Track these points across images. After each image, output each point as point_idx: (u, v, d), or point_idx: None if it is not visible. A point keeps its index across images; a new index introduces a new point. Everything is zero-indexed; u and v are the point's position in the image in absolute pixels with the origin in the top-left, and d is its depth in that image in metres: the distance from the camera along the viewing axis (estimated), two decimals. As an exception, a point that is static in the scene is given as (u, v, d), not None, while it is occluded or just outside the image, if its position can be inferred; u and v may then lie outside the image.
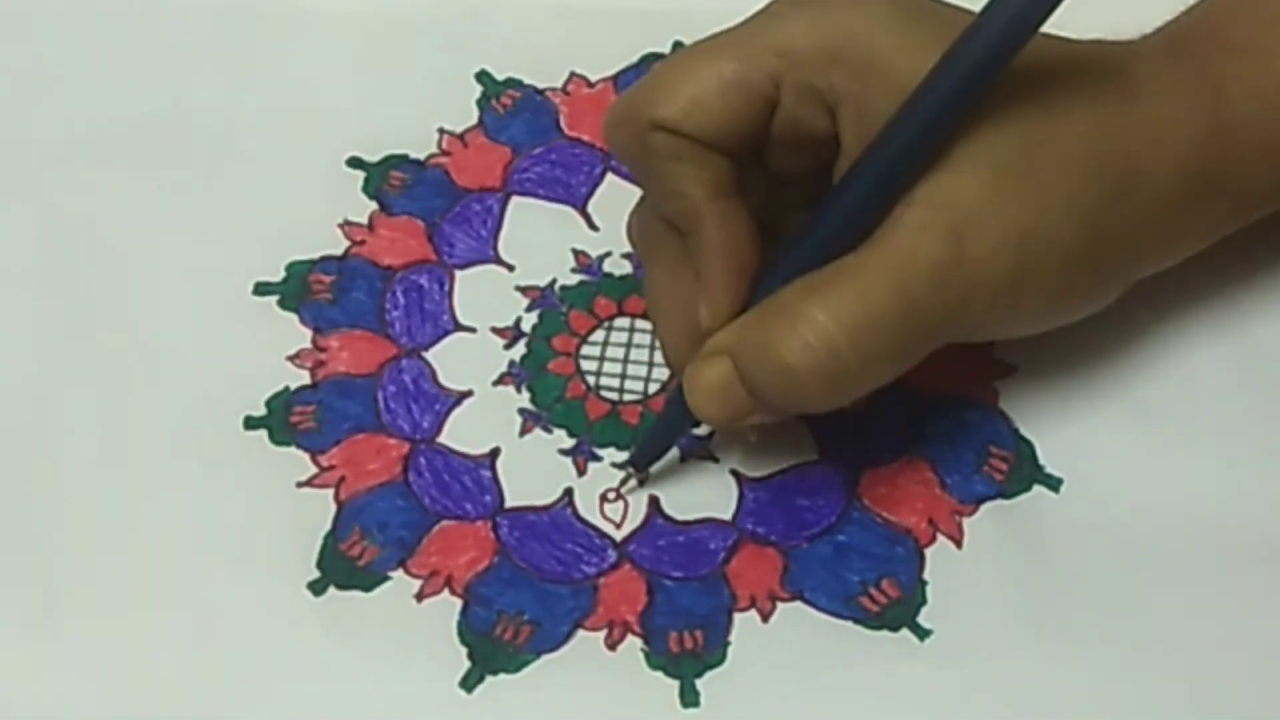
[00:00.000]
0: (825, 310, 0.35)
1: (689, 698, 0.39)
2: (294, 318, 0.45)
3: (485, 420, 0.43)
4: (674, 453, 0.42)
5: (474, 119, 0.49)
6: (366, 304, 0.45)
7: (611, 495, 0.42)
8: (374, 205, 0.47)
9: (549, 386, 0.44)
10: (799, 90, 0.37)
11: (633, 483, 0.42)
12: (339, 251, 0.47)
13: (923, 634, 0.39)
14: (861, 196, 0.36)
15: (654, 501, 0.42)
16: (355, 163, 0.48)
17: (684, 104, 0.37)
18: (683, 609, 0.40)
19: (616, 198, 0.47)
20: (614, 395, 0.44)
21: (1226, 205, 0.40)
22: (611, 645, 0.40)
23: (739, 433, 0.41)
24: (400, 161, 0.48)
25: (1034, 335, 0.40)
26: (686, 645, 0.39)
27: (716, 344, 0.37)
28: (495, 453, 0.43)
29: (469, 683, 0.39)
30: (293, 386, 0.44)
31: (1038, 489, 0.41)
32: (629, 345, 0.45)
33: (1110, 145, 0.37)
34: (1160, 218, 0.38)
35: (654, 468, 0.42)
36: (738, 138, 0.38)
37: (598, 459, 0.42)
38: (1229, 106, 0.38)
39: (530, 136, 0.49)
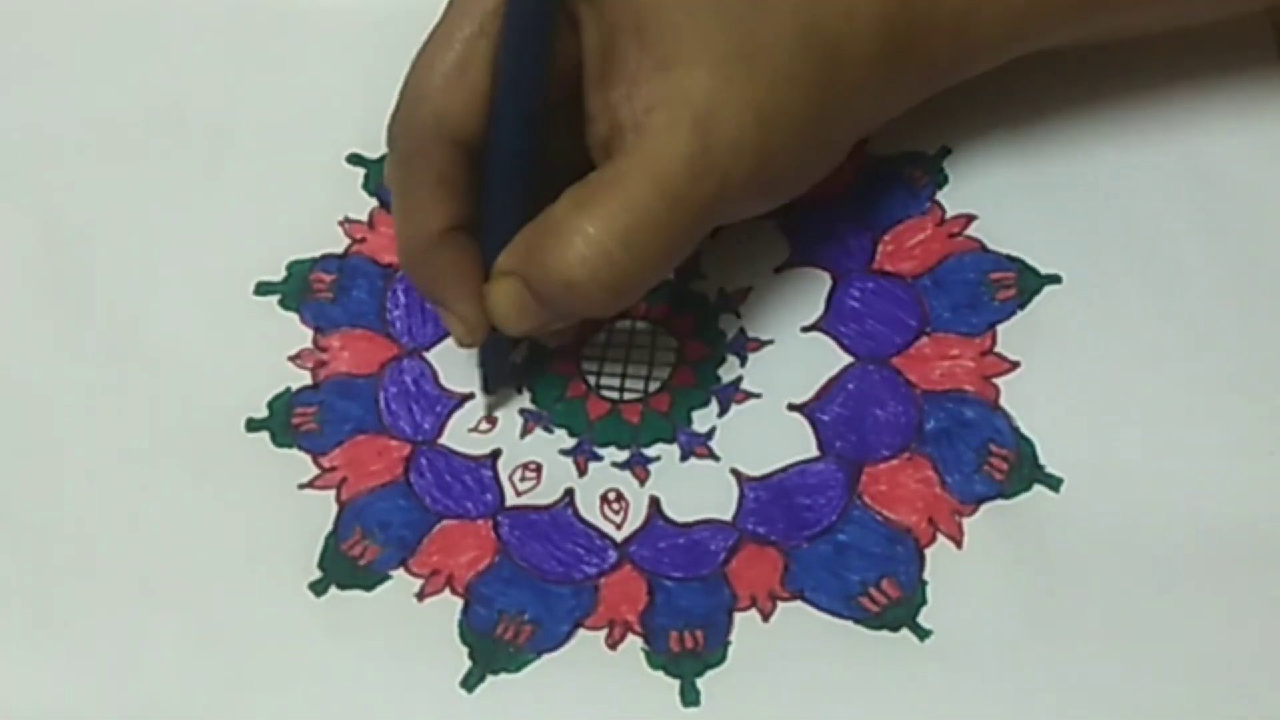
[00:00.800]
0: (594, 223, 0.38)
1: (689, 697, 0.39)
2: (295, 317, 0.45)
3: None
4: (674, 452, 0.42)
5: (474, 117, 0.49)
6: (367, 303, 0.45)
7: (485, 426, 0.43)
8: (374, 202, 0.47)
9: (549, 386, 0.44)
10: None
11: (489, 408, 0.43)
12: (340, 250, 0.47)
13: (923, 634, 0.39)
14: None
15: (654, 503, 0.42)
16: (356, 159, 0.48)
17: (470, 102, 0.39)
18: (683, 609, 0.40)
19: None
20: (614, 395, 0.44)
21: (918, 72, 0.42)
22: (612, 645, 0.40)
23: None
24: (401, 159, 0.48)
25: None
26: (687, 645, 0.39)
27: (503, 265, 0.40)
28: (496, 453, 0.43)
29: (470, 682, 0.39)
30: (294, 387, 0.44)
31: (1038, 489, 0.41)
32: (629, 346, 0.45)
33: (815, 17, 0.39)
34: (865, 86, 0.40)
35: (654, 467, 0.42)
36: None
37: (598, 459, 0.43)
38: None
39: (530, 135, 0.49)
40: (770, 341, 0.44)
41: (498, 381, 0.44)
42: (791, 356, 0.44)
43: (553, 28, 0.38)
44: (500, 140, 0.39)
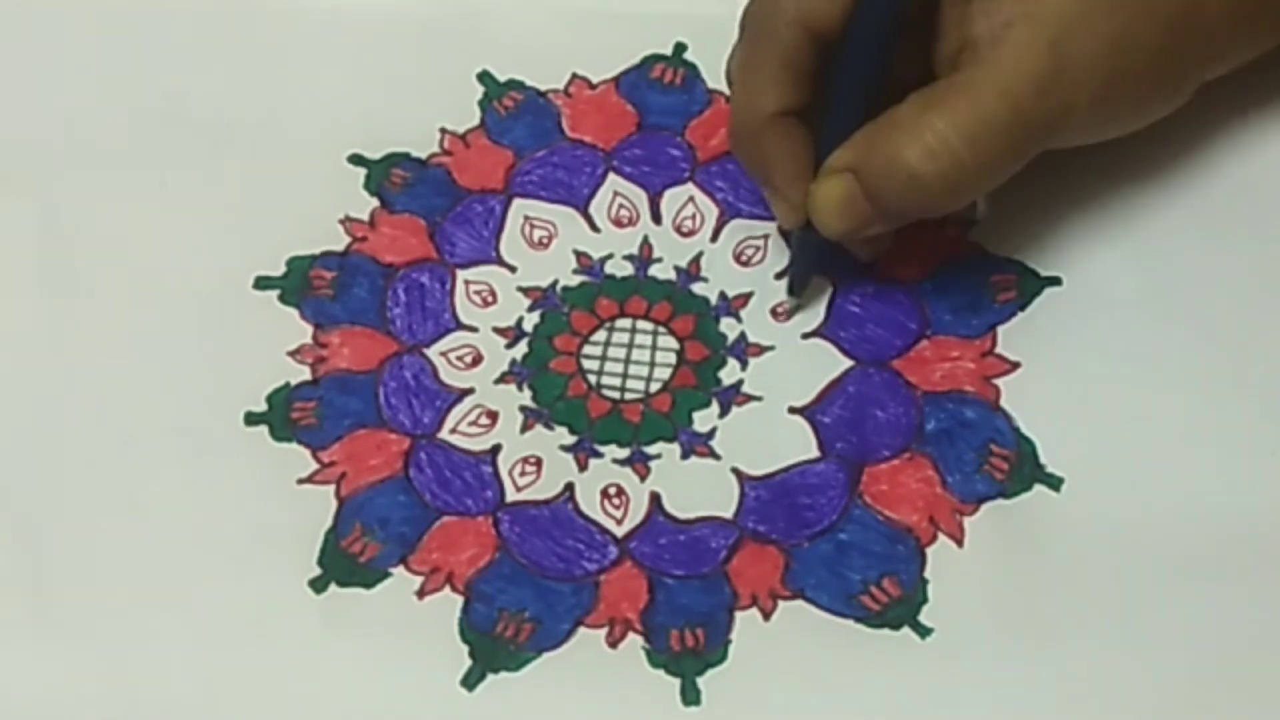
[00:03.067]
0: (944, 120, 0.40)
1: (690, 696, 0.39)
2: (295, 313, 0.45)
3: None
4: (675, 450, 0.42)
5: (476, 120, 0.49)
6: (368, 300, 0.45)
7: (781, 310, 0.45)
8: (375, 202, 0.47)
9: (550, 385, 0.44)
10: None
11: (793, 303, 0.45)
12: (340, 248, 0.47)
13: (924, 632, 0.39)
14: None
15: (655, 499, 0.42)
16: (357, 160, 0.48)
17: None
18: (684, 607, 0.40)
19: (619, 200, 0.47)
20: (615, 394, 0.44)
21: (1275, 18, 0.43)
22: (613, 643, 0.39)
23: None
24: (402, 160, 0.48)
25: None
26: (688, 643, 0.39)
27: (837, 161, 0.41)
28: (496, 449, 0.43)
29: (470, 681, 0.39)
30: (293, 382, 0.44)
31: (1039, 488, 0.41)
32: (630, 345, 0.45)
33: None
34: (1226, 25, 0.42)
35: (655, 464, 0.42)
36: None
37: (599, 455, 0.42)
38: None
39: (532, 139, 0.49)
40: (771, 347, 0.44)
41: (804, 281, 0.44)
42: (792, 361, 0.44)
43: None
44: (859, 36, 0.40)
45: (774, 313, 0.45)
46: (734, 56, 0.43)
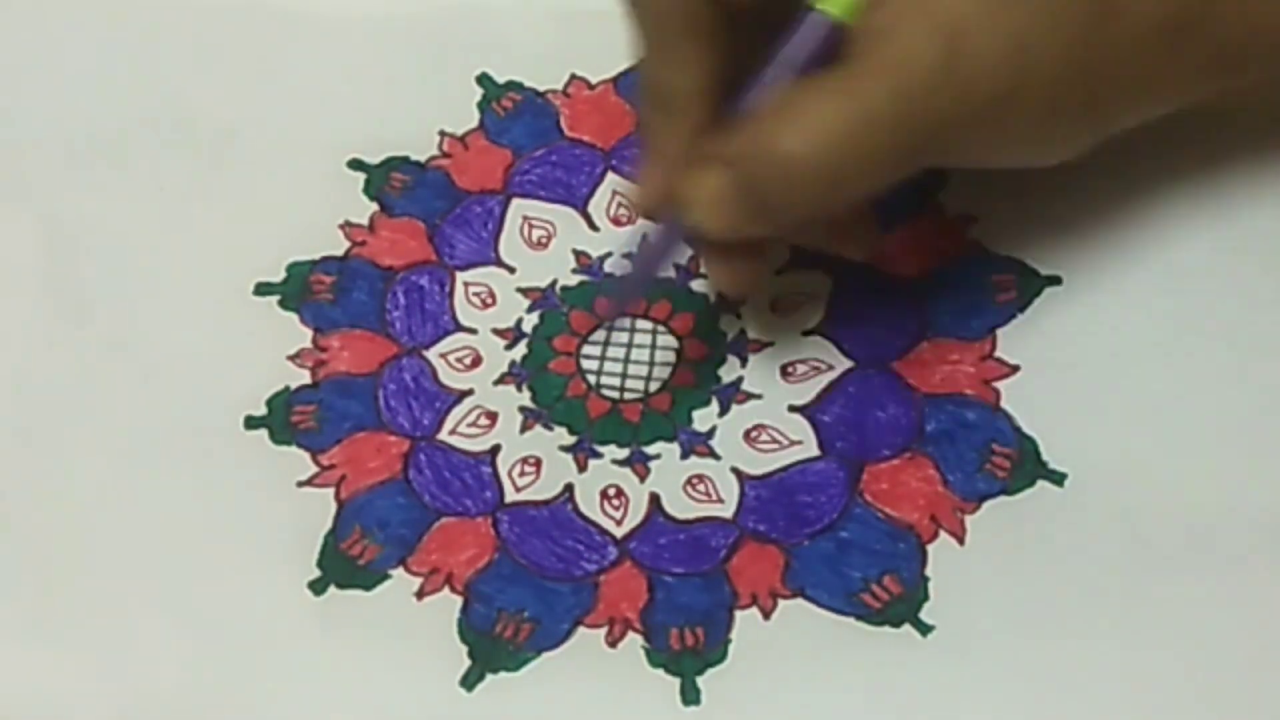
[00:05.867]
0: (829, 107, 0.37)
1: (690, 695, 0.39)
2: (294, 318, 0.45)
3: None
4: (675, 450, 0.42)
5: (475, 121, 0.49)
6: (367, 304, 0.46)
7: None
8: (375, 206, 0.48)
9: (550, 385, 0.44)
10: None
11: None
12: (340, 252, 0.47)
13: (925, 629, 0.39)
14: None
15: (655, 499, 0.42)
16: (356, 164, 0.48)
17: None
18: (683, 606, 0.40)
19: (617, 199, 0.47)
20: (615, 394, 0.44)
21: (1201, 57, 0.40)
22: (612, 643, 0.39)
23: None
24: (401, 163, 0.48)
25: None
26: (687, 642, 0.39)
27: (712, 150, 0.38)
28: (496, 449, 0.43)
29: (469, 681, 0.39)
30: (293, 386, 0.44)
31: (1041, 484, 0.41)
32: (630, 345, 0.45)
33: None
34: (1138, 54, 0.39)
35: (654, 464, 0.42)
36: None
37: (598, 456, 0.42)
38: None
39: (531, 139, 0.49)
40: (771, 343, 0.44)
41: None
42: (792, 359, 0.44)
43: None
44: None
45: (773, 307, 0.44)
46: (639, 24, 0.40)
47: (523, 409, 0.43)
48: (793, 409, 0.43)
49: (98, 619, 0.40)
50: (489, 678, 0.39)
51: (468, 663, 0.39)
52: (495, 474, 0.42)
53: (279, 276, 0.46)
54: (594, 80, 0.50)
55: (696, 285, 0.45)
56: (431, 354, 0.45)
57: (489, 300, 0.46)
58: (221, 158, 0.49)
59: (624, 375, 0.44)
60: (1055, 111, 0.39)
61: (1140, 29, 0.38)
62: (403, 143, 0.49)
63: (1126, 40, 0.38)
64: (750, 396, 0.43)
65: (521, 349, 0.45)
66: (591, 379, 0.44)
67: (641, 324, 0.45)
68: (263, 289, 0.46)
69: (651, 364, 0.44)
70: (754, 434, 0.43)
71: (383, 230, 0.47)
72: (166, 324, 0.45)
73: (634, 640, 0.39)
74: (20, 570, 0.41)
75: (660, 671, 0.39)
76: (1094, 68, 0.38)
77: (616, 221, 0.47)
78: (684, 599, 0.40)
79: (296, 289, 0.46)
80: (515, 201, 0.48)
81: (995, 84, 0.37)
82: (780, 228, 0.40)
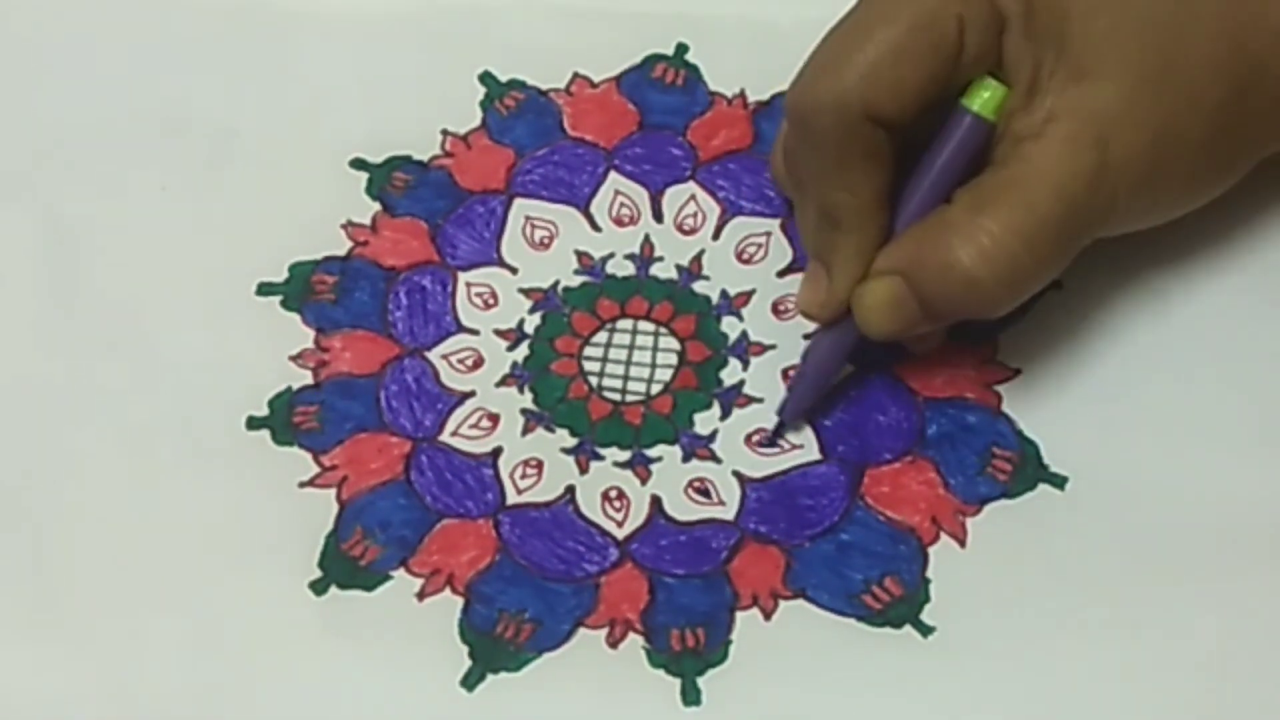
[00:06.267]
0: (998, 222, 0.38)
1: (690, 696, 0.39)
2: (297, 318, 0.45)
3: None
4: (676, 453, 0.42)
5: (477, 120, 0.49)
6: (369, 304, 0.46)
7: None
8: (377, 206, 0.48)
9: (552, 387, 0.44)
10: (982, 23, 0.39)
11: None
12: (342, 252, 0.47)
13: (926, 631, 0.39)
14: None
15: (656, 501, 0.42)
16: (358, 164, 0.48)
17: (898, 94, 0.38)
18: (684, 607, 0.40)
19: (619, 199, 0.47)
20: (616, 396, 0.44)
21: None
22: (613, 643, 0.39)
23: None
24: (403, 163, 0.48)
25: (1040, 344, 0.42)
26: (688, 643, 0.39)
27: (885, 264, 0.40)
28: (497, 451, 0.43)
29: (470, 681, 0.39)
30: (295, 386, 0.44)
31: (1042, 488, 0.41)
32: (631, 346, 0.45)
33: (1237, 45, 0.40)
34: (1275, 115, 0.41)
35: (656, 467, 0.42)
36: (925, 104, 0.39)
37: (600, 458, 0.42)
38: None
39: (533, 138, 0.49)
40: (773, 346, 0.44)
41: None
42: (793, 362, 0.44)
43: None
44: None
45: (775, 310, 0.45)
46: (793, 145, 0.41)
47: (524, 411, 0.43)
48: (794, 411, 0.43)
49: (98, 619, 0.40)
50: (490, 678, 0.39)
51: (469, 663, 0.39)
52: (497, 475, 0.42)
53: (281, 276, 0.46)
54: (597, 79, 0.50)
55: (698, 286, 0.45)
56: (433, 355, 0.45)
57: (491, 301, 0.46)
58: (223, 157, 0.49)
59: (626, 377, 0.44)
60: (1198, 178, 0.41)
61: (1276, 93, 0.40)
62: (405, 142, 0.49)
63: (1264, 106, 0.41)
64: (752, 400, 0.43)
65: (523, 350, 0.45)
66: (593, 381, 0.44)
67: (644, 326, 0.45)
68: (265, 289, 0.46)
69: (653, 366, 0.44)
70: (755, 437, 0.43)
71: (385, 230, 0.47)
72: (168, 324, 0.45)
73: (635, 641, 0.39)
74: (21, 570, 0.41)
75: (661, 672, 0.39)
76: (1235, 133, 0.41)
77: (618, 221, 0.47)
78: (685, 600, 0.40)
79: (298, 289, 0.46)
80: (517, 201, 0.48)
81: (1143, 173, 0.39)
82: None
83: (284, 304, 0.46)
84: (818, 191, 0.40)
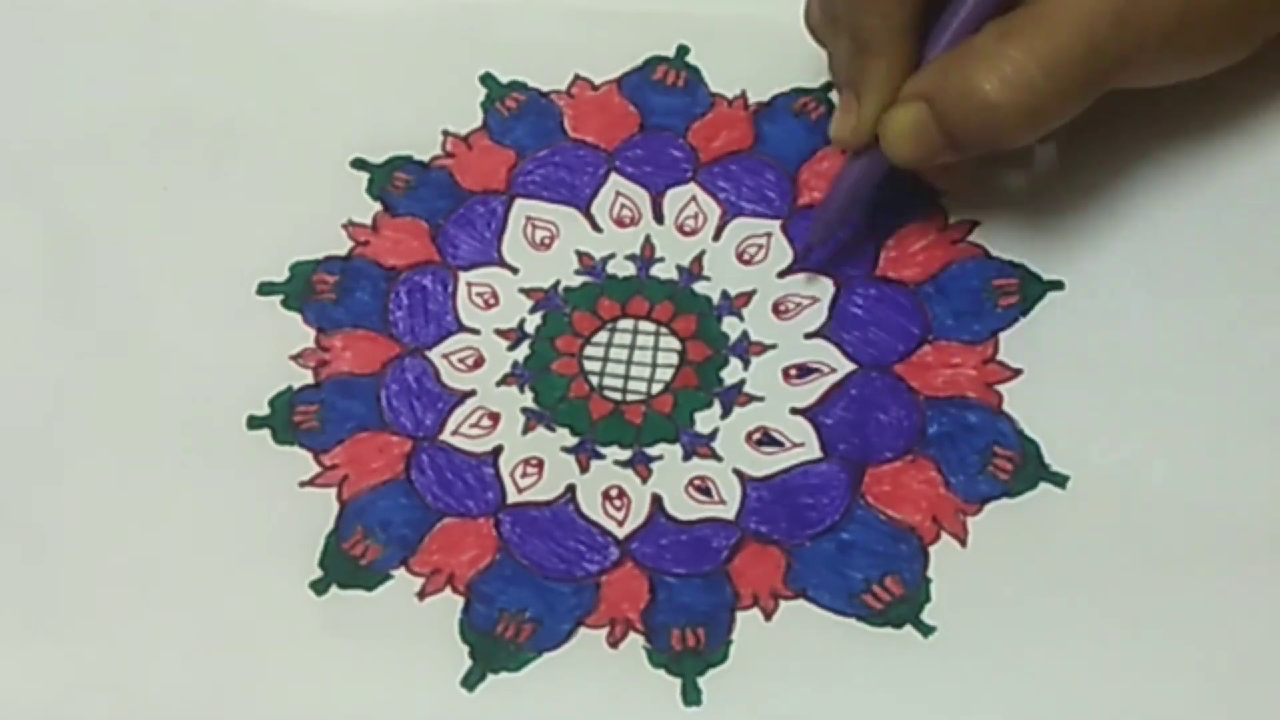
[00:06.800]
0: (1022, 50, 0.40)
1: (691, 696, 0.39)
2: (297, 317, 0.45)
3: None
4: (677, 452, 0.42)
5: (478, 121, 0.49)
6: (370, 304, 0.46)
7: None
8: (378, 206, 0.48)
9: (552, 386, 0.44)
10: None
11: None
12: (343, 252, 0.47)
13: (927, 630, 0.39)
14: None
15: (656, 500, 0.42)
16: (359, 164, 0.48)
17: None
18: (685, 606, 0.40)
19: (620, 200, 0.47)
20: (617, 395, 0.44)
21: None
22: (613, 643, 0.39)
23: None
24: (404, 163, 0.48)
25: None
26: (689, 643, 0.39)
27: (911, 89, 0.42)
28: (498, 450, 0.43)
29: (470, 681, 0.39)
30: (296, 386, 0.44)
31: (1044, 487, 0.41)
32: (632, 346, 0.45)
33: None
34: None
35: (656, 465, 0.42)
36: None
37: (600, 457, 0.42)
38: None
39: (534, 139, 0.49)
40: (773, 346, 0.44)
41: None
42: (794, 361, 0.44)
43: None
44: None
45: (775, 310, 0.45)
46: None
47: (525, 410, 0.43)
48: (795, 411, 0.43)
49: (98, 618, 0.40)
50: (490, 678, 0.39)
51: (469, 663, 0.39)
52: (497, 475, 0.42)
53: (282, 276, 0.46)
54: (598, 81, 0.50)
55: (699, 288, 0.45)
56: (434, 354, 0.45)
57: (492, 301, 0.46)
58: (225, 157, 0.49)
59: (627, 377, 0.44)
60: (1219, 37, 0.42)
61: None
62: (406, 142, 0.49)
63: None
64: (752, 399, 0.43)
65: (524, 350, 0.45)
66: (594, 380, 0.44)
67: (644, 326, 0.45)
68: (266, 288, 0.46)
69: (654, 365, 0.44)
70: (755, 436, 0.43)
71: (386, 230, 0.47)
72: (169, 323, 0.45)
73: (635, 641, 0.39)
74: (21, 570, 0.41)
75: (661, 672, 0.39)
76: (1254, 5, 0.42)
77: (619, 223, 0.47)
78: (685, 599, 0.40)
79: (299, 289, 0.46)
80: (518, 202, 0.48)
81: (1173, 16, 0.40)
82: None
83: (285, 303, 0.46)
84: (851, 18, 0.42)
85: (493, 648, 0.39)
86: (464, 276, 0.46)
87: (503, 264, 0.46)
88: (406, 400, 0.44)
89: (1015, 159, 0.46)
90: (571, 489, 0.42)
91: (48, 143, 0.49)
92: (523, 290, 0.46)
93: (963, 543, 0.40)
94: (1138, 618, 0.39)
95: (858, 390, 0.43)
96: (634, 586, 0.40)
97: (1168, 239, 0.44)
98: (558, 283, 0.46)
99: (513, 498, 0.42)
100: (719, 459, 0.42)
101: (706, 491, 0.42)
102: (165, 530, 0.42)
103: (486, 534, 0.41)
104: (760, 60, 0.49)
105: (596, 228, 0.47)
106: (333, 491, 0.42)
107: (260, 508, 0.42)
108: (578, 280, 0.46)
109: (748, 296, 0.45)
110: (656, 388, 0.44)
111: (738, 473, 0.42)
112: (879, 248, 0.46)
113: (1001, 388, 0.43)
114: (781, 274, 0.46)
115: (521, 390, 0.44)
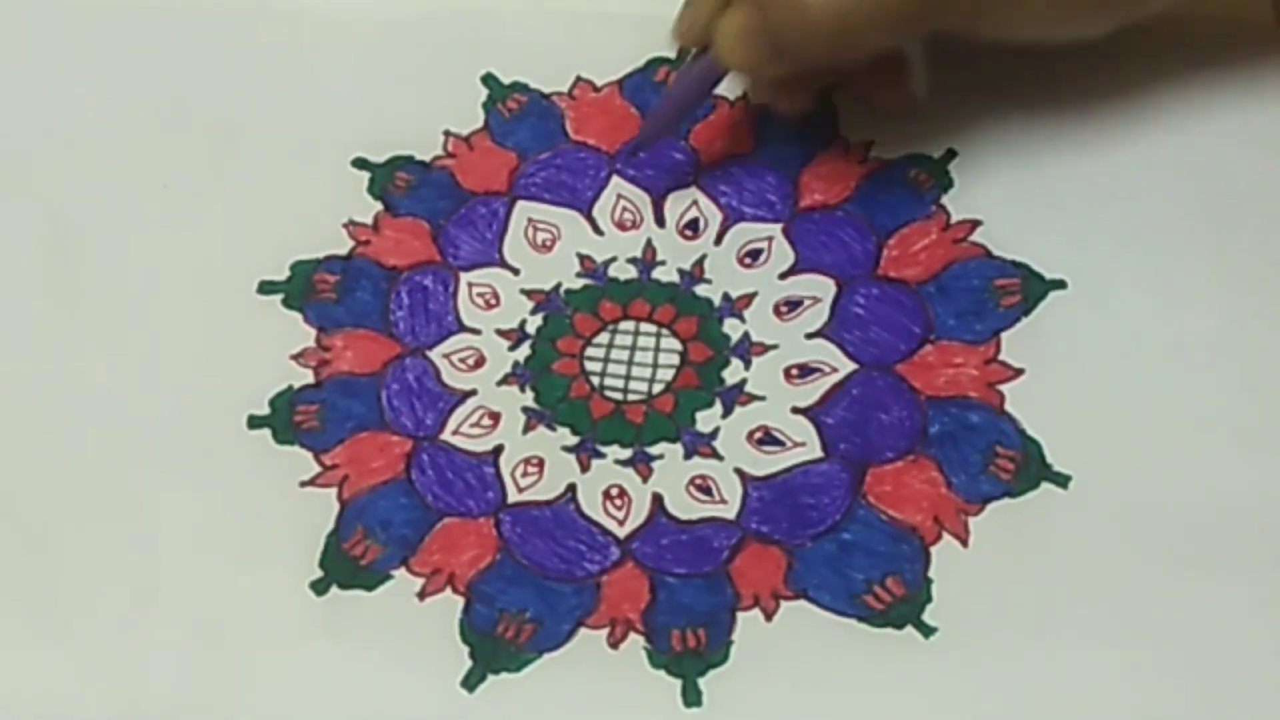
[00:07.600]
0: None
1: (691, 697, 0.38)
2: (298, 317, 0.45)
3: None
4: (678, 451, 0.42)
5: (480, 122, 0.49)
6: (371, 304, 0.46)
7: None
8: (379, 206, 0.48)
9: (553, 386, 0.44)
10: None
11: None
12: (344, 251, 0.47)
13: (928, 631, 0.39)
14: None
15: (657, 500, 0.42)
16: (361, 163, 0.48)
17: None
18: (685, 607, 0.40)
19: (622, 203, 0.47)
20: (618, 395, 0.44)
21: None
22: (614, 644, 0.39)
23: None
24: (406, 163, 0.48)
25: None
26: (689, 644, 0.39)
27: None
28: (498, 450, 0.43)
29: (471, 681, 0.39)
30: (296, 385, 0.44)
31: (1045, 487, 0.41)
32: (633, 347, 0.45)
33: None
34: None
35: (657, 465, 0.42)
36: None
37: (601, 456, 0.42)
38: None
39: (536, 141, 0.49)
40: (775, 346, 0.44)
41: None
42: (795, 361, 0.44)
43: None
44: None
45: (777, 311, 0.45)
46: None
47: (526, 409, 0.43)
48: (796, 411, 0.43)
49: (98, 618, 0.40)
50: (490, 678, 0.39)
51: (469, 663, 0.39)
52: (498, 474, 0.42)
53: (283, 275, 0.46)
54: (599, 83, 0.50)
55: (700, 290, 0.45)
56: (435, 354, 0.45)
57: (493, 301, 0.46)
58: (226, 156, 0.49)
59: (628, 377, 0.44)
60: None
61: None
62: (408, 142, 0.49)
63: None
64: (753, 398, 0.43)
65: (525, 350, 0.45)
66: (595, 380, 0.44)
67: (646, 328, 0.45)
68: (266, 288, 0.46)
69: (655, 366, 0.44)
70: (757, 435, 0.43)
71: (387, 230, 0.47)
72: (170, 322, 0.45)
73: (635, 641, 0.39)
74: (21, 570, 0.41)
75: (662, 673, 0.39)
76: None
77: (621, 226, 0.47)
78: (686, 600, 0.40)
79: (300, 288, 0.46)
80: (520, 203, 0.48)
81: None
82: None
83: (285, 303, 0.46)
84: None
85: (493, 648, 0.39)
86: (465, 277, 0.46)
87: (504, 265, 0.46)
88: (407, 400, 0.44)
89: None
90: (572, 488, 0.42)
91: (47, 142, 0.49)
92: (524, 291, 0.46)
93: (964, 543, 0.40)
94: (1139, 618, 0.39)
95: (859, 390, 0.43)
96: (634, 586, 0.40)
97: (1170, 239, 0.44)
98: (559, 284, 0.46)
99: (513, 497, 0.42)
100: (720, 458, 0.42)
101: (707, 491, 0.42)
102: (165, 530, 0.42)
103: (487, 534, 0.41)
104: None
105: (598, 230, 0.47)
106: (333, 491, 0.42)
107: (260, 507, 0.42)
108: (579, 282, 0.46)
109: (749, 299, 0.45)
110: (657, 388, 0.44)
111: (739, 472, 0.42)
112: (880, 247, 0.46)
113: (1003, 387, 0.43)
114: (783, 275, 0.45)
115: (522, 390, 0.44)
